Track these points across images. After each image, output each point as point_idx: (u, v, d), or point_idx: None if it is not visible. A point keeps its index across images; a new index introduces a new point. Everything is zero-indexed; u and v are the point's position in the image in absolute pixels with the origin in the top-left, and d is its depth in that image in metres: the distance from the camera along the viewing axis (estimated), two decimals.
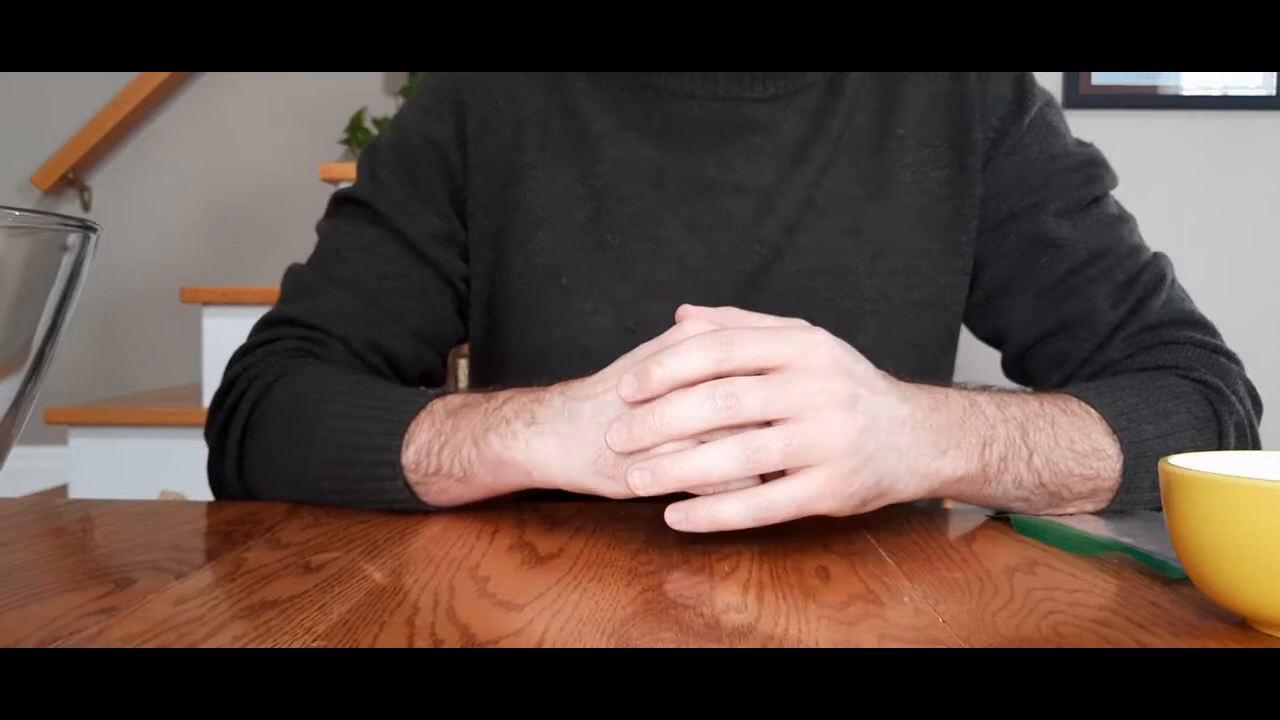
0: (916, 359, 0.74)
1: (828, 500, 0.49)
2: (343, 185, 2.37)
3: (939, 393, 0.56)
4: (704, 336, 0.50)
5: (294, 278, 0.76)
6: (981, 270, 0.76)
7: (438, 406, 0.59)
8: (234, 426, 0.66)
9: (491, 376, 0.77)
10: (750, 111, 0.75)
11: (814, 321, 0.64)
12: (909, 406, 0.53)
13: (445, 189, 0.77)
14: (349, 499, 0.60)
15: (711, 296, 0.71)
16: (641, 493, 0.50)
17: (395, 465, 0.58)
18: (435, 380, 0.79)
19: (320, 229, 0.78)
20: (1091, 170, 0.75)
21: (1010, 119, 0.75)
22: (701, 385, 0.49)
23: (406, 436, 0.58)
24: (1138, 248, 0.74)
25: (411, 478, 0.58)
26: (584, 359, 0.68)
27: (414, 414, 0.59)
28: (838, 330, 0.67)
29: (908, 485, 0.52)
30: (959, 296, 0.77)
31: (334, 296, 0.73)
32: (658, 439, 0.49)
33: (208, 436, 0.69)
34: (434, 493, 0.59)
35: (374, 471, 0.58)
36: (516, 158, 0.76)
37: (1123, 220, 0.75)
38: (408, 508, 0.60)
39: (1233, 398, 0.64)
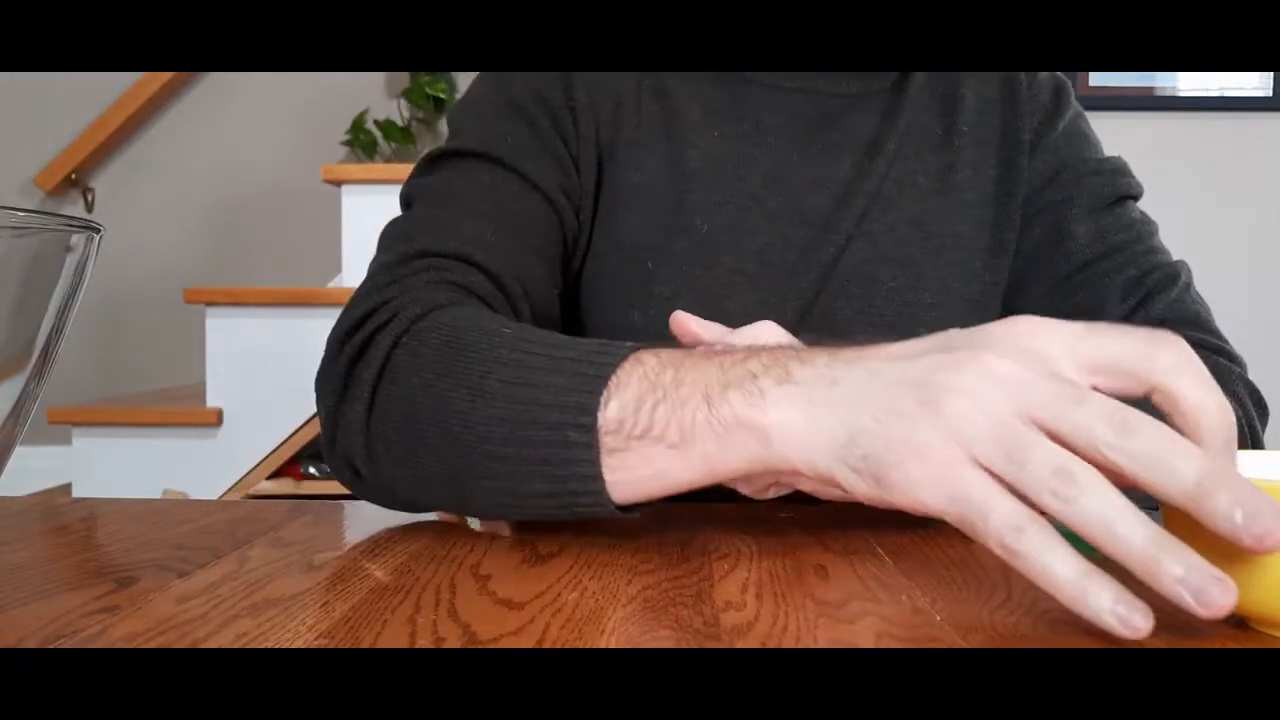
0: None
1: None
2: (342, 178, 2.36)
3: None
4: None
5: (400, 224, 0.65)
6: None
7: (648, 357, 0.47)
8: (364, 367, 0.53)
9: None
10: (831, 106, 0.77)
11: (878, 311, 0.69)
12: None
13: (563, 147, 0.72)
14: (502, 477, 0.48)
15: (789, 289, 0.72)
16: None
17: (591, 430, 0.45)
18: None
19: (415, 186, 0.69)
20: (1119, 178, 0.77)
21: (1047, 121, 0.77)
22: None
23: (607, 392, 0.46)
24: (1155, 249, 0.75)
25: (609, 443, 0.46)
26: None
27: (615, 365, 0.47)
28: (899, 321, 0.71)
29: None
30: (999, 293, 0.78)
31: (468, 225, 0.63)
32: None
33: (321, 384, 0.56)
34: (626, 465, 0.46)
35: (561, 435, 0.46)
36: (614, 134, 0.75)
37: (1144, 223, 0.76)
38: (572, 502, 0.47)
39: (1230, 400, 0.64)
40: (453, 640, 0.37)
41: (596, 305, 0.74)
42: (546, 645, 0.37)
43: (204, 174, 2.97)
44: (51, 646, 0.36)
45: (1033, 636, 0.38)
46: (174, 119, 2.97)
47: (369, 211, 2.19)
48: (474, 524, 0.56)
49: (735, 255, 0.73)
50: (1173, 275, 0.73)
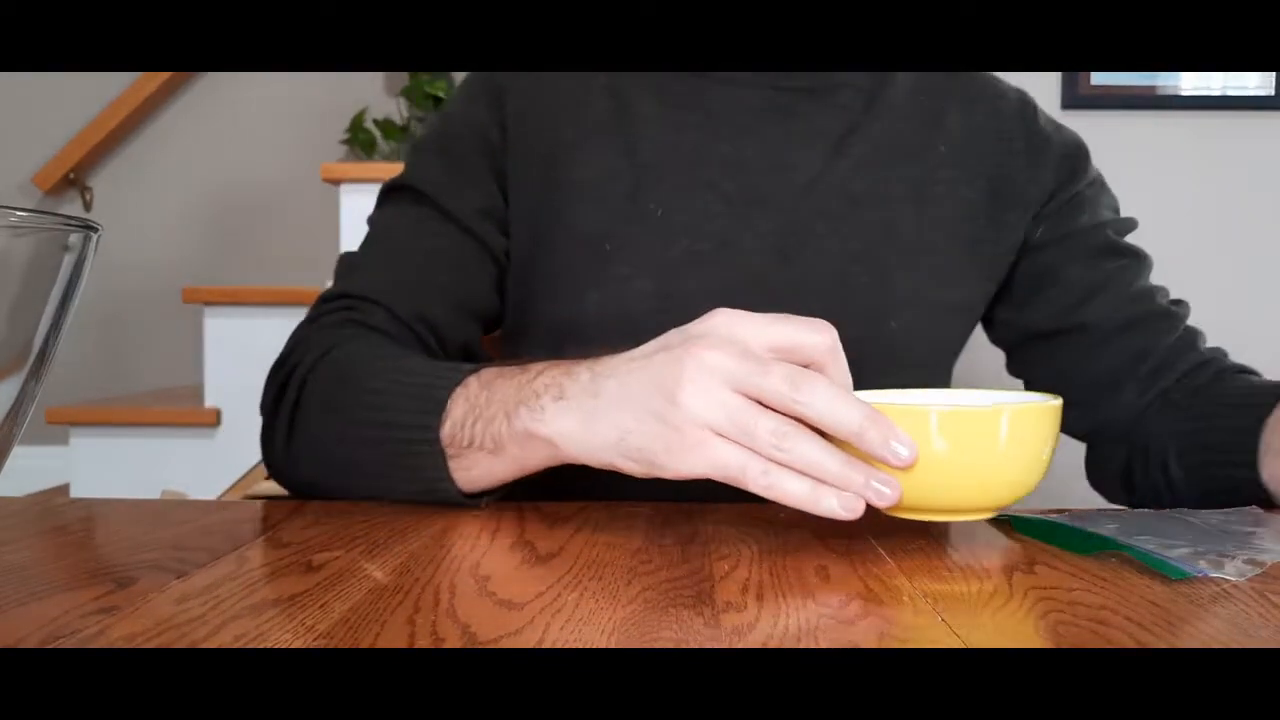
0: (931, 352, 0.79)
1: None
2: (347, 180, 2.36)
3: None
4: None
5: (343, 260, 0.78)
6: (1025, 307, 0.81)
7: (472, 381, 0.59)
8: (285, 401, 0.67)
9: (521, 349, 0.79)
10: (788, 100, 0.78)
11: (851, 305, 0.72)
12: None
13: (486, 166, 0.78)
14: (386, 481, 0.61)
15: (750, 272, 0.74)
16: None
17: (434, 444, 0.58)
18: (475, 352, 0.80)
19: (370, 219, 0.80)
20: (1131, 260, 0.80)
21: (1059, 213, 0.80)
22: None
23: (444, 414, 0.58)
24: (1169, 327, 0.78)
25: (450, 452, 0.58)
26: (621, 325, 0.69)
27: (450, 390, 0.59)
28: (870, 317, 0.74)
29: None
30: (980, 305, 0.81)
31: (379, 270, 0.76)
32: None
33: (262, 409, 0.70)
34: (464, 468, 0.59)
35: (412, 449, 0.59)
36: (557, 136, 0.78)
37: (1152, 295, 0.79)
38: (438, 495, 0.59)
39: None
40: (452, 641, 0.37)
41: (550, 290, 0.77)
42: (546, 645, 0.36)
43: (203, 173, 2.97)
44: (50, 647, 0.36)
45: (1035, 637, 0.38)
46: (172, 118, 2.97)
47: (368, 211, 2.18)
48: None
49: (692, 237, 0.75)
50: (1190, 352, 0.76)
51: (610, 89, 0.79)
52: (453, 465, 0.59)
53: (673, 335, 0.52)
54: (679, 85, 0.78)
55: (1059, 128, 0.83)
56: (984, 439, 0.48)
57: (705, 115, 0.77)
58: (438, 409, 0.58)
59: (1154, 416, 0.74)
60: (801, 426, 0.48)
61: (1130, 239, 0.80)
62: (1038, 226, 0.79)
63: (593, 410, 0.53)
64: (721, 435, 0.49)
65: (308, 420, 0.66)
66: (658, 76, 0.79)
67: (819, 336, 0.50)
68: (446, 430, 0.58)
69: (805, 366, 0.50)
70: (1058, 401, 0.51)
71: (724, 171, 0.76)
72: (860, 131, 0.78)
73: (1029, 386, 0.82)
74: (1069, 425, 0.80)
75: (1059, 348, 0.79)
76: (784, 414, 0.48)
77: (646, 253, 0.74)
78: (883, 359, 0.59)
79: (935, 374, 0.79)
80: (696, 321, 0.52)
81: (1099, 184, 0.82)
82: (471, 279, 0.77)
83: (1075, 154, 0.81)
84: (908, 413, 0.48)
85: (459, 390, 0.59)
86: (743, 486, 0.49)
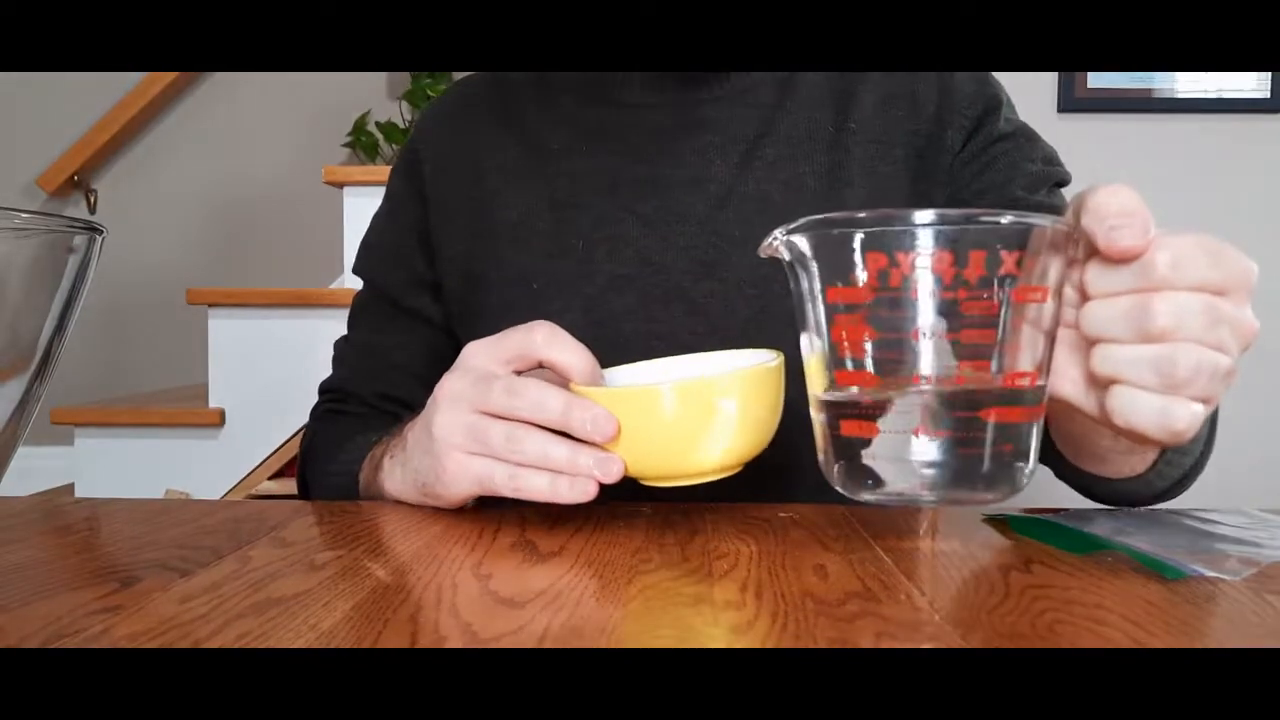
0: None
1: None
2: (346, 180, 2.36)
3: None
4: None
5: (334, 350, 0.90)
6: None
7: (369, 456, 0.70)
8: (299, 474, 0.84)
9: None
10: (702, 112, 0.79)
11: (776, 307, 0.73)
12: None
13: (416, 236, 0.84)
14: None
15: (672, 285, 0.76)
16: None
17: (360, 498, 0.70)
18: None
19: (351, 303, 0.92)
20: (1053, 168, 0.79)
21: (979, 131, 0.78)
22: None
23: (358, 484, 0.71)
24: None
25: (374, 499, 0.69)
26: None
27: (360, 464, 0.71)
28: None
29: None
30: None
31: (350, 362, 0.88)
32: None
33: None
34: None
35: (352, 504, 0.68)
36: (479, 186, 0.81)
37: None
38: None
39: None
40: (454, 639, 0.37)
41: (494, 328, 0.79)
42: (546, 645, 0.37)
43: (206, 175, 2.98)
44: (54, 646, 0.36)
45: (1031, 636, 0.38)
46: (177, 120, 2.97)
47: (370, 213, 2.18)
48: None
49: (614, 262, 0.77)
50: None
51: (522, 131, 0.81)
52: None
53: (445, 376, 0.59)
54: (591, 116, 0.80)
55: (982, 80, 0.80)
56: (699, 408, 0.51)
57: (619, 142, 0.79)
58: (354, 480, 0.71)
59: None
60: (532, 427, 0.53)
61: None
62: (947, 189, 0.78)
63: (404, 461, 0.62)
64: (470, 453, 0.55)
65: (308, 488, 0.81)
66: (571, 113, 0.81)
67: (532, 336, 0.55)
68: (360, 490, 0.70)
69: (540, 365, 0.56)
70: (776, 362, 0.54)
71: (640, 194, 0.77)
72: (772, 131, 0.78)
73: None
74: None
75: None
76: (516, 420, 0.54)
77: (573, 286, 0.77)
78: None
79: None
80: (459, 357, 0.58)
81: (1021, 136, 0.79)
82: (423, 351, 0.84)
83: (986, 106, 0.78)
84: (627, 394, 0.53)
85: (365, 460, 0.71)
86: (499, 494, 0.55)
